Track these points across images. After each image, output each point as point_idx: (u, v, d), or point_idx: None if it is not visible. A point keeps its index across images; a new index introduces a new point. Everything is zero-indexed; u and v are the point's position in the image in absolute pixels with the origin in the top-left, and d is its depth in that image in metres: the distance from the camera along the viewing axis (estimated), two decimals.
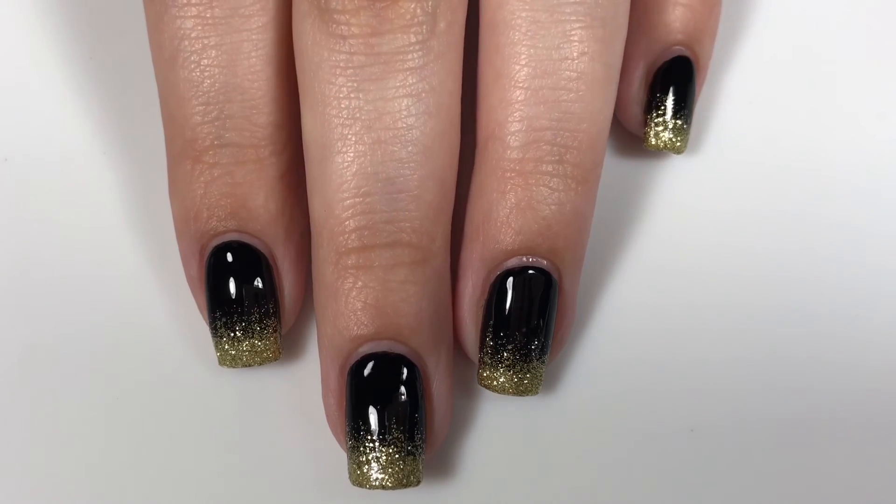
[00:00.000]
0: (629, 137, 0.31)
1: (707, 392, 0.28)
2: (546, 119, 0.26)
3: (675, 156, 0.31)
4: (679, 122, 0.29)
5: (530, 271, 0.26)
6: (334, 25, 0.25)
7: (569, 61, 0.26)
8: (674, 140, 0.29)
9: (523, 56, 0.26)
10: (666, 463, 0.28)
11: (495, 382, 0.26)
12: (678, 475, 0.28)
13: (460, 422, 0.28)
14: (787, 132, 0.31)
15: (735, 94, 0.32)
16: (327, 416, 0.26)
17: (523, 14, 0.26)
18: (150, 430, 0.28)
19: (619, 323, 0.29)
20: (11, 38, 0.32)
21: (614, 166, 0.31)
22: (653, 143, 0.29)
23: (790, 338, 0.29)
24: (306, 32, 0.26)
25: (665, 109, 0.29)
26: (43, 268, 0.29)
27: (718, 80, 0.32)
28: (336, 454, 0.27)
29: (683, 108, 0.29)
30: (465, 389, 0.28)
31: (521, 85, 0.26)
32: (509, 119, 0.26)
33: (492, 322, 0.26)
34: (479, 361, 0.27)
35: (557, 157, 0.26)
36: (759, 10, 0.33)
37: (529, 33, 0.26)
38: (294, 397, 0.28)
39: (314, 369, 0.28)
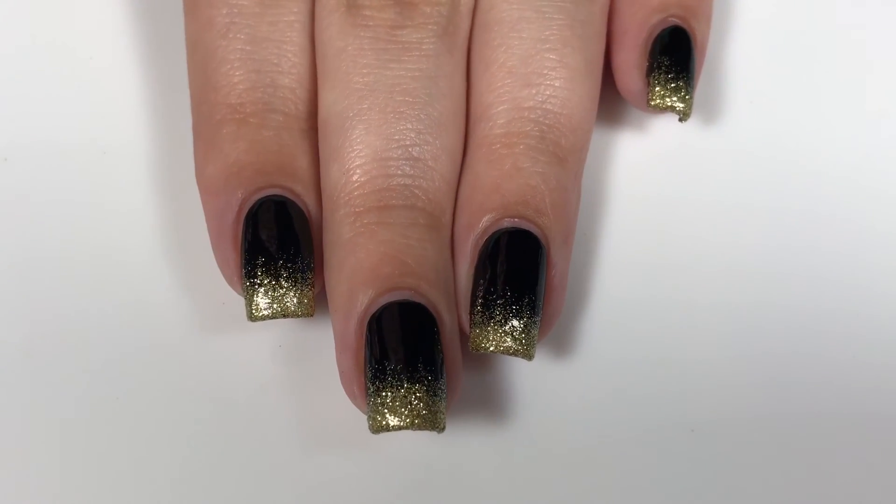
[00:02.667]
0: (631, 138, 0.31)
1: (707, 391, 0.28)
2: (531, 101, 0.28)
3: (675, 154, 0.31)
4: (681, 82, 0.29)
5: (518, 231, 0.27)
6: (361, 18, 0.28)
7: (553, 51, 0.28)
8: (677, 99, 0.29)
9: (511, 46, 0.28)
10: (666, 463, 0.28)
11: (485, 342, 0.26)
12: (678, 475, 0.28)
13: (457, 417, 0.28)
14: (787, 131, 0.31)
15: (735, 94, 0.32)
16: (342, 376, 0.26)
17: (513, 13, 0.28)
18: (152, 429, 0.28)
19: (619, 321, 0.29)
20: (12, 38, 0.32)
21: (616, 164, 0.31)
22: (656, 102, 0.29)
23: (791, 336, 0.29)
24: (333, 24, 0.28)
25: (666, 69, 0.29)
26: (42, 268, 0.29)
27: (719, 79, 0.32)
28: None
29: (684, 70, 0.29)
30: (466, 388, 0.28)
31: (508, 70, 0.28)
32: (497, 101, 0.28)
33: (481, 282, 0.27)
34: (470, 325, 0.27)
35: (539, 134, 0.28)
36: (759, 10, 0.33)
37: (517, 27, 0.28)
38: (296, 396, 0.28)
39: (314, 374, 0.28)
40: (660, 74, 0.29)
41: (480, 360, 0.29)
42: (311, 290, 0.27)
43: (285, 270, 0.27)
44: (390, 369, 0.25)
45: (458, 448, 0.28)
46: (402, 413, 0.25)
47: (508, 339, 0.26)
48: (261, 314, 0.27)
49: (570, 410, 0.28)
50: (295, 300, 0.27)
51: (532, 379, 0.28)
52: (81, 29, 0.32)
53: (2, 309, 0.29)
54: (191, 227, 0.29)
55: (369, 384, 0.25)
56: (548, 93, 0.28)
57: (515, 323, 0.26)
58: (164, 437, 0.28)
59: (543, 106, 0.28)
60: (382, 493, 0.27)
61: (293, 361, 0.29)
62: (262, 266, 0.27)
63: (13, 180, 0.30)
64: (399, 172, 0.27)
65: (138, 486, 0.27)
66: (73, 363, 0.28)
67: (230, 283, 0.28)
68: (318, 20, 0.28)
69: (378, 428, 0.25)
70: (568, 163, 0.28)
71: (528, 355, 0.26)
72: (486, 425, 0.28)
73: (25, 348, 0.28)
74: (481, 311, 0.26)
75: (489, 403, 0.28)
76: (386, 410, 0.25)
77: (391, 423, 0.25)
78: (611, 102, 0.31)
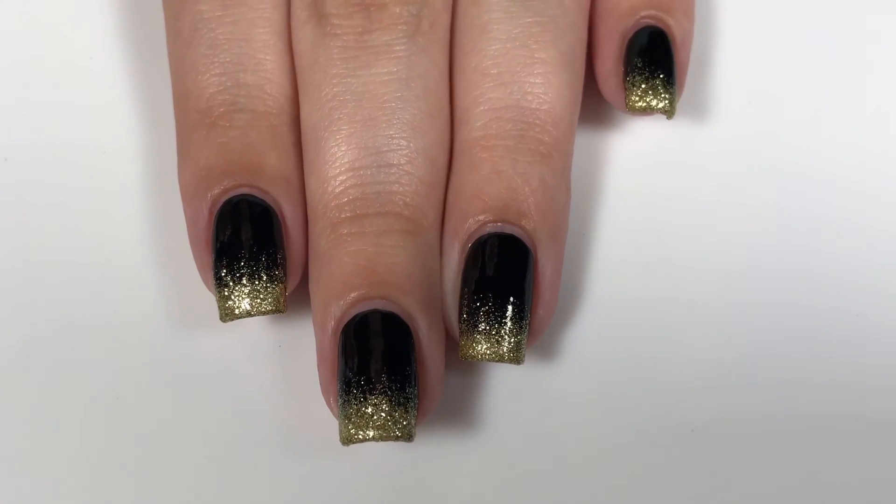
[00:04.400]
0: (626, 137, 0.31)
1: (707, 391, 0.28)
2: (507, 100, 0.28)
3: (673, 152, 0.31)
4: (657, 80, 0.29)
5: (501, 235, 0.27)
6: (330, 27, 0.28)
7: (525, 48, 0.28)
8: (654, 98, 0.29)
9: (483, 49, 0.28)
10: (666, 463, 0.28)
11: (472, 350, 0.26)
12: (678, 475, 0.28)
13: (456, 416, 0.28)
14: (786, 131, 0.31)
15: (735, 94, 0.32)
16: (322, 386, 0.27)
17: (482, 16, 0.28)
18: (151, 428, 0.28)
19: (618, 321, 0.29)
20: (12, 38, 0.32)
21: (612, 164, 0.31)
22: (632, 105, 0.29)
23: (791, 336, 0.29)
24: (306, 36, 0.28)
25: (639, 70, 0.29)
26: (42, 268, 0.29)
27: (718, 79, 0.32)
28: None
29: (659, 68, 0.29)
30: (460, 391, 0.28)
31: (482, 72, 0.28)
32: (474, 103, 0.28)
33: (466, 289, 0.27)
34: (459, 333, 0.27)
35: (519, 133, 0.28)
36: (759, 10, 0.33)
37: (487, 29, 0.28)
38: (295, 396, 0.28)
39: (313, 374, 0.28)
40: (634, 77, 0.29)
41: (471, 363, 0.28)
42: (278, 285, 0.27)
43: (248, 268, 0.27)
44: (355, 381, 0.25)
45: (458, 449, 0.28)
46: (364, 425, 0.25)
47: (496, 346, 0.26)
48: (228, 315, 0.27)
49: (568, 411, 0.28)
50: (260, 298, 0.27)
51: (530, 380, 0.28)
52: (81, 29, 0.32)
53: (1, 309, 0.29)
54: None
55: (339, 396, 0.26)
56: (523, 90, 0.28)
57: (502, 329, 0.26)
58: (162, 437, 0.28)
59: (519, 104, 0.28)
60: (381, 492, 0.27)
61: (293, 361, 0.29)
62: (226, 267, 0.27)
63: (13, 180, 0.30)
64: (371, 180, 0.27)
65: (138, 486, 0.27)
66: (73, 363, 0.28)
67: (208, 288, 0.28)
68: (293, 34, 0.28)
69: (346, 440, 0.25)
70: (552, 158, 0.28)
71: (517, 360, 0.26)
72: (482, 428, 0.28)
73: (24, 348, 0.28)
74: (467, 320, 0.26)
75: (482, 406, 0.28)
76: (350, 423, 0.25)
77: (356, 436, 0.25)
78: (607, 102, 0.31)
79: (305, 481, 0.27)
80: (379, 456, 0.28)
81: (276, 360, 0.29)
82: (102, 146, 0.31)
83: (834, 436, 0.28)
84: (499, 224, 0.27)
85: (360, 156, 0.27)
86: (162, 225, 0.30)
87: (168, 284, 0.29)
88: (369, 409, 0.25)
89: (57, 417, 0.28)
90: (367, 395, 0.25)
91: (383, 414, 0.25)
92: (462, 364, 0.28)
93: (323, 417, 0.27)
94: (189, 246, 0.28)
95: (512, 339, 0.26)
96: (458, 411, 0.28)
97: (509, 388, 0.28)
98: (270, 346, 0.29)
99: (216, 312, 0.28)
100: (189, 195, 0.28)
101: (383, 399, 0.25)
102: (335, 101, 0.27)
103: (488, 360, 0.26)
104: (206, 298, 0.29)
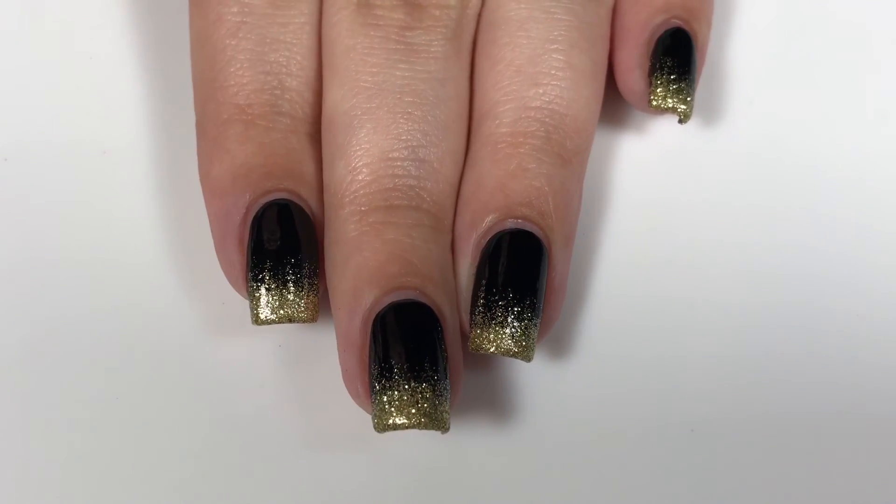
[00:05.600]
0: (630, 138, 0.31)
1: (707, 391, 0.28)
2: (538, 101, 0.28)
3: (675, 153, 0.31)
4: (683, 83, 0.29)
5: (521, 232, 0.27)
6: (372, 18, 0.28)
7: (561, 52, 0.28)
8: (679, 101, 0.29)
9: (519, 45, 0.28)
10: (666, 463, 0.28)
11: (486, 343, 0.26)
12: (678, 475, 0.28)
13: (457, 417, 0.28)
14: (787, 132, 0.31)
15: (735, 95, 0.32)
16: (345, 374, 0.26)
17: (522, 11, 0.28)
18: (151, 429, 0.28)
19: (618, 321, 0.29)
20: (12, 38, 0.32)
21: (616, 165, 0.31)
22: (658, 103, 0.29)
23: (791, 336, 0.29)
24: (342, 22, 0.28)
25: (668, 70, 0.29)
26: (42, 268, 0.29)
27: (719, 80, 0.32)
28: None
29: (686, 72, 0.29)
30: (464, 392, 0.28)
31: (516, 69, 0.28)
32: (503, 98, 0.28)
33: (483, 283, 0.27)
34: (471, 324, 0.27)
35: (545, 134, 0.28)
36: (759, 10, 0.33)
37: (525, 26, 0.28)
38: (296, 396, 0.28)
39: (314, 374, 0.28)
40: (662, 75, 0.29)
41: (479, 360, 0.29)
42: (316, 295, 0.27)
43: (292, 275, 0.26)
44: (397, 368, 0.25)
45: (458, 448, 0.28)
46: (408, 412, 0.25)
47: (508, 341, 0.26)
48: (266, 319, 0.26)
49: (570, 410, 0.28)
50: (301, 306, 0.26)
51: (532, 379, 0.28)
52: (82, 28, 0.32)
53: (1, 309, 0.29)
54: (191, 227, 0.29)
55: (375, 383, 0.25)
56: (554, 93, 0.28)
57: (516, 324, 0.26)
58: (163, 437, 0.28)
59: (550, 106, 0.28)
60: (383, 493, 0.27)
61: (293, 361, 0.29)
62: (269, 270, 0.26)
63: (13, 180, 0.30)
64: (405, 173, 0.27)
65: (138, 486, 0.27)
66: (73, 363, 0.28)
67: (234, 285, 0.28)
68: (327, 17, 0.28)
69: (384, 427, 0.25)
70: (572, 164, 0.28)
71: (528, 357, 0.26)
72: (485, 425, 0.28)
73: (24, 348, 0.28)
74: (482, 312, 0.26)
75: (488, 403, 0.28)
76: (392, 409, 0.25)
77: (398, 423, 0.25)
78: (611, 103, 0.31)
79: (304, 479, 0.27)
80: (377, 453, 0.28)
81: (276, 360, 0.29)
82: (102, 146, 0.31)
83: (834, 435, 0.28)
84: (519, 221, 0.27)
85: (396, 146, 0.27)
86: (162, 224, 0.30)
87: (168, 284, 0.29)
88: (415, 396, 0.25)
89: (56, 418, 0.28)
90: (411, 382, 0.25)
91: (427, 402, 0.25)
92: (468, 361, 0.28)
93: (323, 416, 0.27)
94: (191, 244, 0.28)
95: (524, 335, 0.26)
96: (465, 408, 0.28)
97: (512, 387, 0.28)
98: (271, 347, 0.29)
99: (214, 312, 0.28)
100: (221, 189, 0.27)
101: (428, 387, 0.25)
102: (374, 90, 0.27)
103: (500, 354, 0.26)
104: (205, 298, 0.29)
